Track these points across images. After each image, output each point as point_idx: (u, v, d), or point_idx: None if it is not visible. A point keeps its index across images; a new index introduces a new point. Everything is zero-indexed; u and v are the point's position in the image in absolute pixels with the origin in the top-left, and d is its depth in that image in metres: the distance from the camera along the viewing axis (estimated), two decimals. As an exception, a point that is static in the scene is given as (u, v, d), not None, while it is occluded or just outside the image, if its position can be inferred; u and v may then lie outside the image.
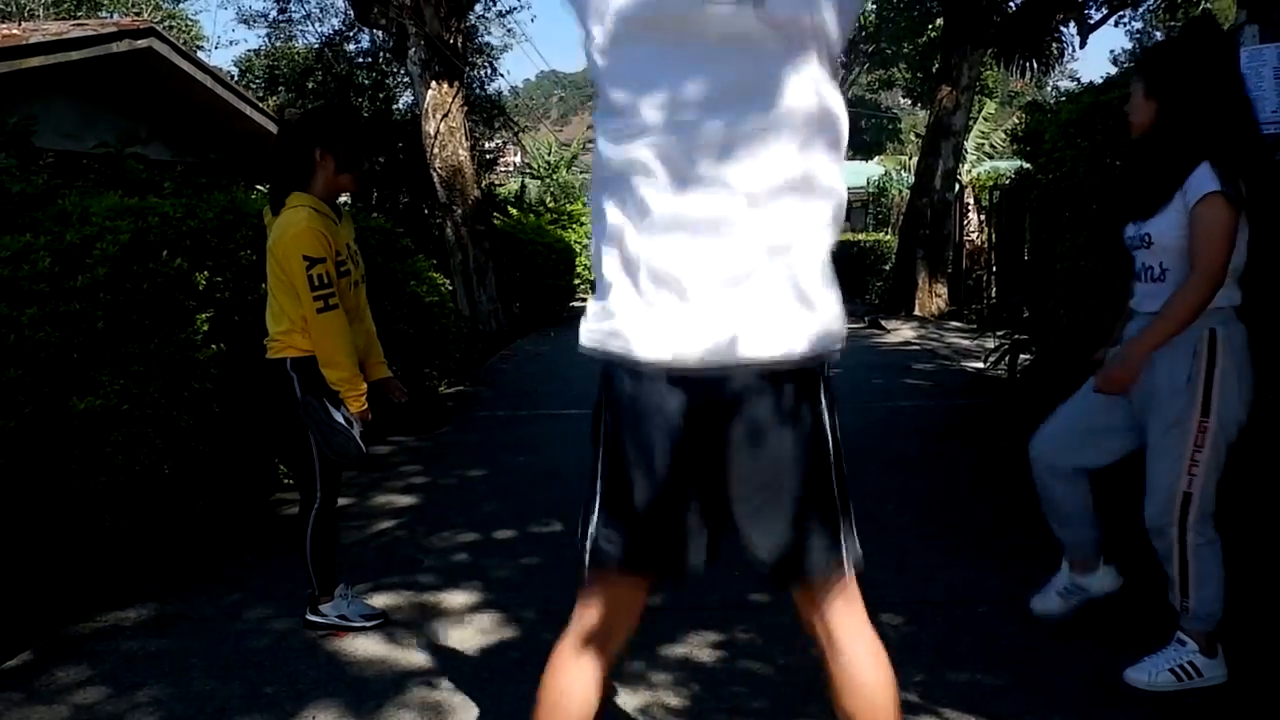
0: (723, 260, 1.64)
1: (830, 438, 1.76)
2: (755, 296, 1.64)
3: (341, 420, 3.20)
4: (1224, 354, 2.65)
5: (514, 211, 17.02)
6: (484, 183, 15.05)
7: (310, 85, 18.51)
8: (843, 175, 1.71)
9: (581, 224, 20.03)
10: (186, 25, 24.70)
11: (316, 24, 20.41)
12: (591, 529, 1.79)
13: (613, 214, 1.71)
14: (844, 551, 1.77)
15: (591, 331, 1.73)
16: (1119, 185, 3.85)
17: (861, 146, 33.45)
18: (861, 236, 20.39)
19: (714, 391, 1.67)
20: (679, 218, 1.65)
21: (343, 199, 3.84)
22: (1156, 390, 2.74)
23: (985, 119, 19.39)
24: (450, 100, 11.38)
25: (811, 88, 1.64)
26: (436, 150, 11.43)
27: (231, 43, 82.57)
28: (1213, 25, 2.85)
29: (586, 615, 1.85)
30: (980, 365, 8.45)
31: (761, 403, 1.68)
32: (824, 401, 1.74)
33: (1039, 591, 3.23)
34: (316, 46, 19.38)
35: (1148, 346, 2.68)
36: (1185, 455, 2.68)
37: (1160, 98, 2.71)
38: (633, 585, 1.85)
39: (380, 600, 3.60)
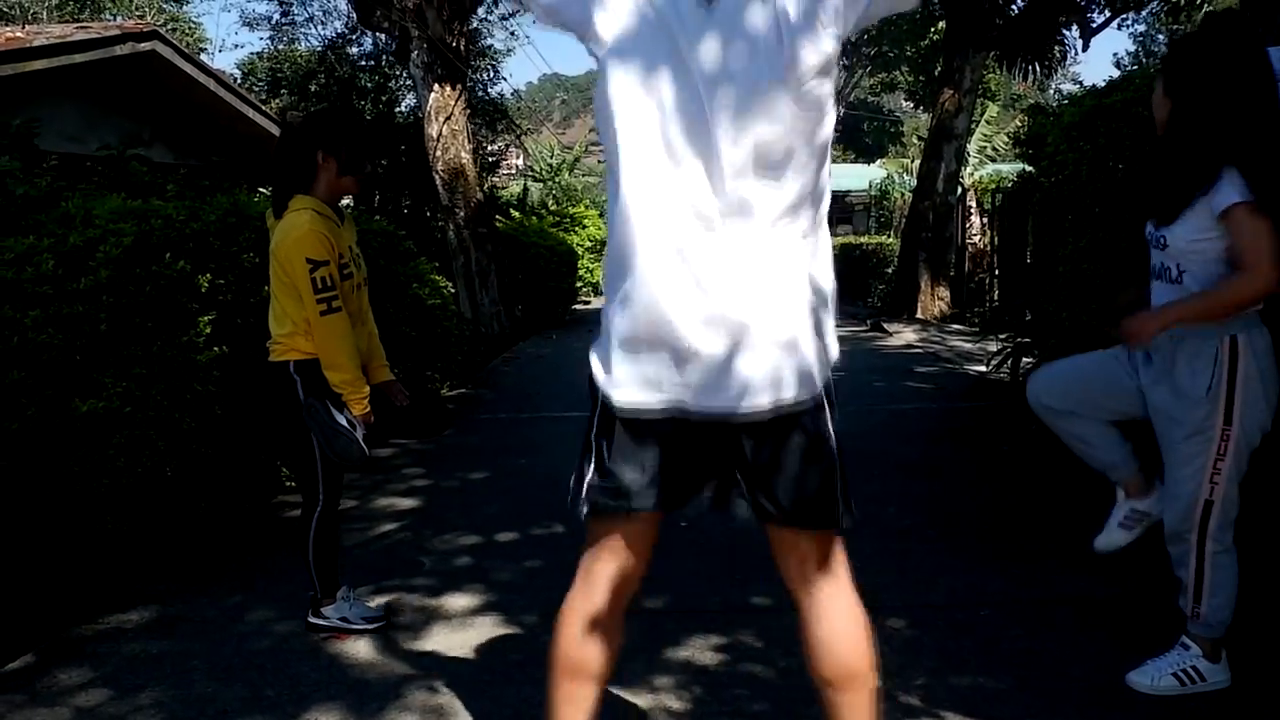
0: (722, 310, 1.67)
1: (831, 437, 1.79)
2: (753, 349, 1.68)
3: (344, 423, 3.20)
4: (1246, 360, 2.58)
5: (516, 214, 17.02)
6: (486, 185, 15.06)
7: (313, 88, 18.55)
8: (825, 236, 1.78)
9: (584, 226, 20.03)
10: (190, 28, 24.77)
11: (319, 27, 20.49)
12: (588, 479, 1.80)
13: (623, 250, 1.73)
14: (840, 509, 1.80)
15: (595, 367, 1.78)
16: (1137, 182, 3.78)
17: (864, 149, 33.45)
18: (864, 239, 20.39)
19: (711, 425, 1.73)
20: (683, 263, 1.68)
21: (345, 201, 3.84)
22: (1177, 395, 2.67)
23: (988, 122, 19.39)
24: (453, 103, 11.38)
25: (820, 161, 1.72)
26: (439, 153, 11.43)
27: (237, 45, 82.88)
28: (1234, 22, 2.73)
29: (596, 566, 1.86)
30: (982, 368, 8.45)
31: (762, 432, 1.73)
32: (825, 413, 1.78)
33: (1100, 531, 3.05)
34: (319, 49, 19.44)
35: (1175, 318, 2.59)
36: (1208, 464, 2.63)
37: (1175, 97, 2.64)
38: (640, 525, 1.85)
39: (382, 603, 3.60)
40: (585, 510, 1.81)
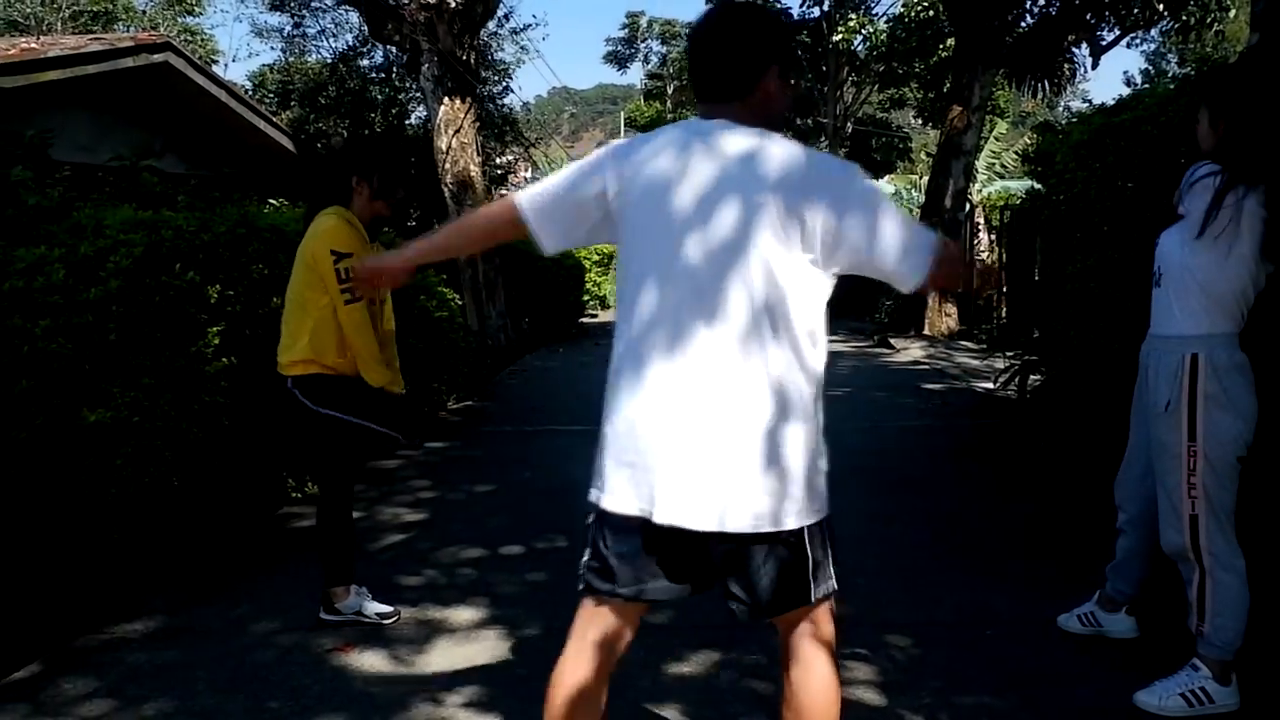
0: (706, 427, 1.78)
1: (825, 542, 1.89)
2: (736, 466, 1.77)
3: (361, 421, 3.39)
4: (1205, 377, 2.64)
5: (524, 227, 17.02)
6: (495, 198, 15.11)
7: (323, 100, 18.63)
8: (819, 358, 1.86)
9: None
10: (202, 40, 24.92)
11: (331, 39, 20.58)
12: (585, 559, 1.95)
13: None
14: (814, 588, 1.88)
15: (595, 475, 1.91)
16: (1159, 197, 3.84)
17: (872, 165, 33.40)
18: (871, 255, 20.33)
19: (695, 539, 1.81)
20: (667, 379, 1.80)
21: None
22: (1148, 411, 2.84)
23: (996, 139, 19.41)
24: (462, 116, 11.42)
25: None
26: (448, 165, 11.47)
27: (251, 55, 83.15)
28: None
29: (586, 634, 1.96)
30: (990, 385, 8.43)
31: (748, 555, 1.84)
32: (817, 546, 1.86)
33: (1068, 612, 3.35)
34: (330, 61, 19.53)
35: None
36: (1182, 480, 2.70)
37: (1226, 121, 2.70)
38: (623, 609, 1.95)
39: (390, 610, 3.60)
40: (580, 586, 1.96)
